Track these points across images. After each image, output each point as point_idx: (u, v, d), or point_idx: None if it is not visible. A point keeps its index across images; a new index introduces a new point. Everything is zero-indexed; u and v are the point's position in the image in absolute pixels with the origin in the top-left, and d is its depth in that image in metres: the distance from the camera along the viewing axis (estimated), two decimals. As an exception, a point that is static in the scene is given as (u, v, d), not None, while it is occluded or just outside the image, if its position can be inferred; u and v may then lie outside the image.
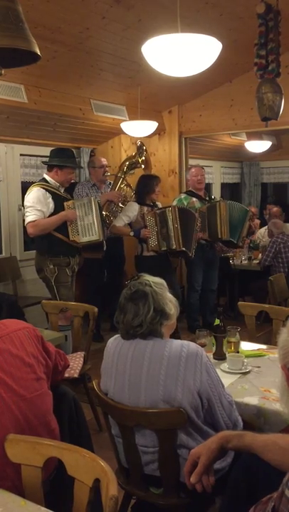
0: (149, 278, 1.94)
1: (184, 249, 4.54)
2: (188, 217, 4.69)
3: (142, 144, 5.04)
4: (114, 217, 4.84)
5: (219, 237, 4.99)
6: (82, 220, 4.03)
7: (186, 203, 5.12)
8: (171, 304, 1.92)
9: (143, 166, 5.06)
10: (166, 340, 1.86)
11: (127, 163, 5.04)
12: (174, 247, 4.51)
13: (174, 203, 5.21)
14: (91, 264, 4.99)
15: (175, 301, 1.95)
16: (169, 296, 1.93)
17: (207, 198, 5.27)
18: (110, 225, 4.77)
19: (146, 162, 5.09)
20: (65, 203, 3.98)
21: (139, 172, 5.19)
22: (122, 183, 5.02)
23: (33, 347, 1.87)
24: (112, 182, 5.13)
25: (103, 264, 5.03)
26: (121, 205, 4.89)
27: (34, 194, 3.86)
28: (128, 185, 5.09)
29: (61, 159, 3.97)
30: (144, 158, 5.02)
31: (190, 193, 5.25)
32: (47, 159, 4.12)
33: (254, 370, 2.36)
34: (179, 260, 5.73)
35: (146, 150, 5.06)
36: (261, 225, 6.86)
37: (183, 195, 5.27)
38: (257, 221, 6.98)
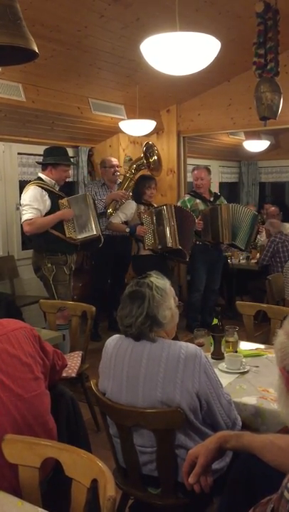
0: (154, 280, 1.89)
1: (180, 247, 4.52)
2: (185, 216, 4.67)
3: (149, 144, 5.06)
4: None
5: (221, 241, 5.00)
6: (78, 216, 4.03)
7: (189, 205, 5.08)
8: (168, 311, 1.87)
9: (152, 167, 5.06)
10: (165, 342, 1.84)
11: (134, 165, 5.07)
12: (170, 244, 4.49)
13: (178, 205, 5.21)
14: (99, 261, 5.03)
15: (176, 307, 1.91)
16: (170, 304, 1.89)
17: (211, 199, 5.22)
18: (107, 222, 4.79)
19: (159, 162, 5.10)
20: (59, 201, 3.97)
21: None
22: (130, 183, 5.05)
23: (31, 346, 1.86)
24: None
25: (110, 262, 5.04)
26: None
27: (31, 192, 3.86)
28: None
29: (54, 157, 3.97)
30: (155, 158, 5.03)
31: (194, 194, 5.22)
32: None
33: (252, 370, 2.36)
34: (176, 262, 5.72)
35: (157, 149, 5.06)
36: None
37: (187, 197, 5.22)
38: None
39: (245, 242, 5.01)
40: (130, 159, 5.75)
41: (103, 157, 5.40)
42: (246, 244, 5.05)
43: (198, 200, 5.14)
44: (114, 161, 5.15)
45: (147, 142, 5.09)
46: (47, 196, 3.89)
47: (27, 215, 3.83)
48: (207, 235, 4.98)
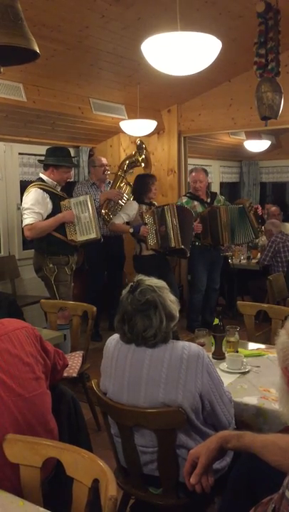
0: (149, 281, 1.87)
1: (182, 246, 4.53)
2: (186, 215, 4.67)
3: (142, 143, 5.03)
4: (114, 215, 4.83)
5: (221, 243, 5.04)
6: (80, 219, 4.02)
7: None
8: (174, 304, 1.88)
9: (143, 165, 5.04)
10: (168, 343, 1.83)
11: (127, 161, 5.03)
12: (174, 245, 4.49)
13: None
14: (93, 263, 5.03)
15: (175, 300, 1.91)
16: (171, 296, 1.89)
17: (208, 201, 5.19)
18: (109, 223, 4.78)
19: (147, 160, 5.06)
20: (61, 203, 3.96)
21: (138, 170, 5.17)
22: (121, 182, 5.02)
23: (32, 346, 1.86)
24: (111, 181, 5.13)
25: (104, 263, 5.05)
26: (121, 202, 4.89)
27: (32, 195, 3.83)
28: (128, 183, 5.09)
29: (56, 158, 3.95)
30: (144, 156, 4.99)
31: (191, 196, 5.19)
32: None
33: (253, 370, 2.36)
34: (177, 260, 5.73)
35: (146, 148, 5.05)
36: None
37: (184, 199, 5.18)
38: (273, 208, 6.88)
39: (250, 232, 5.03)
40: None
41: (93, 157, 5.39)
42: (254, 233, 5.06)
43: (196, 202, 5.12)
44: (104, 160, 5.11)
45: (139, 140, 5.06)
46: (48, 198, 3.87)
47: (28, 219, 3.81)
48: (206, 237, 4.98)
